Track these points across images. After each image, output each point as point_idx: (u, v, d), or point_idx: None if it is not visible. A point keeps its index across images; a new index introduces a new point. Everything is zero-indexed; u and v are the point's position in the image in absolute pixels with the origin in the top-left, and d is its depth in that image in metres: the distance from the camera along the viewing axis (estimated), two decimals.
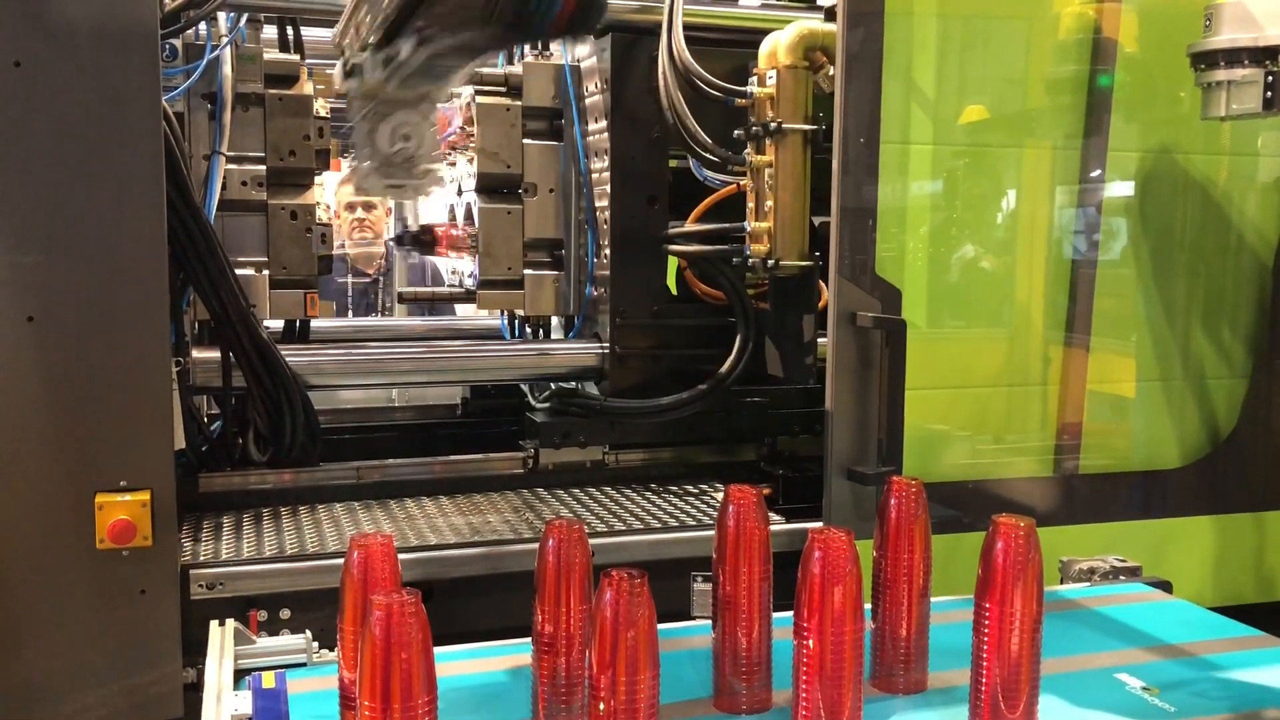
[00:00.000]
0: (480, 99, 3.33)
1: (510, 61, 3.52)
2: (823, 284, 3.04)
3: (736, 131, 3.01)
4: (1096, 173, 3.13)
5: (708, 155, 3.09)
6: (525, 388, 3.62)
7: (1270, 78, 2.35)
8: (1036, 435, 3.15)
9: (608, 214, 3.30)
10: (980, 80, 3.06)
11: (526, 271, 3.43)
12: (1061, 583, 2.38)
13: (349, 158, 7.16)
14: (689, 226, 3.26)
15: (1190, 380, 3.27)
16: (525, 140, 3.41)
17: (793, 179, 2.94)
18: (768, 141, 2.93)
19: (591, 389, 3.43)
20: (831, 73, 2.87)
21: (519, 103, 3.38)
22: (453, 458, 3.47)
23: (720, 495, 3.17)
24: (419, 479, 3.38)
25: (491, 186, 3.40)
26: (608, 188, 3.29)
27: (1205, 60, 2.46)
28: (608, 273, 3.32)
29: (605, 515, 3.14)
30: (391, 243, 6.40)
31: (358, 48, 2.57)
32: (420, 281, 6.27)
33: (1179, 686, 1.80)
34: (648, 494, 3.38)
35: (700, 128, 3.05)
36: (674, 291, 3.47)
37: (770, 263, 2.94)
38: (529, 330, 3.69)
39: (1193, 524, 3.23)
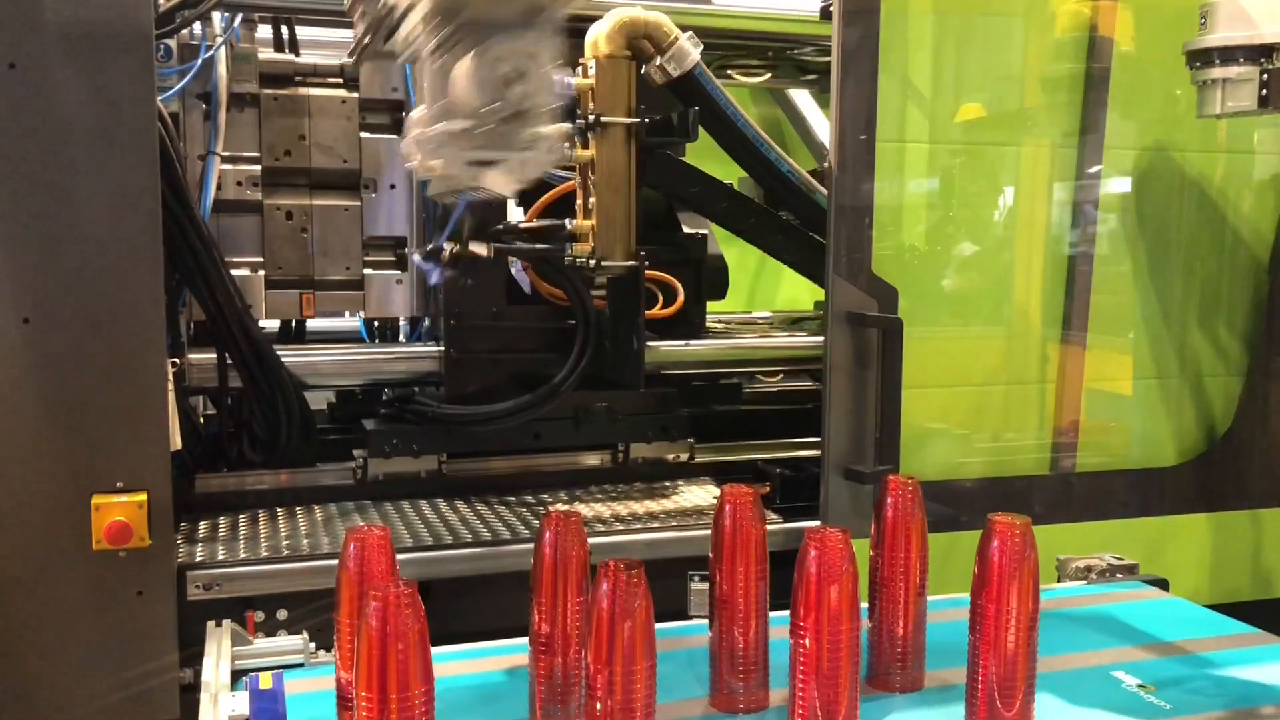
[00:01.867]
0: (313, 91, 3.21)
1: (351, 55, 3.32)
2: (653, 287, 2.95)
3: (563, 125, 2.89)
4: (1093, 170, 3.13)
5: None
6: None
7: (1265, 75, 2.35)
8: (1033, 433, 3.15)
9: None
10: (976, 78, 3.07)
11: (366, 271, 3.30)
12: (1059, 581, 2.38)
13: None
14: (523, 223, 3.09)
15: (1187, 378, 3.27)
16: (363, 134, 3.28)
17: (615, 175, 2.77)
18: (589, 135, 2.78)
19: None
20: (661, 62, 2.76)
21: (356, 95, 3.27)
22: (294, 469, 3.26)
23: (559, 506, 3.13)
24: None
25: (329, 183, 3.25)
26: None
27: (1200, 58, 2.45)
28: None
29: (419, 530, 2.95)
30: None
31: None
32: None
33: (1175, 684, 1.81)
34: (480, 505, 3.20)
35: None
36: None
37: (593, 262, 2.80)
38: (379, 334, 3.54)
39: (1189, 522, 3.24)
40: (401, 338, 3.57)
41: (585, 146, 2.79)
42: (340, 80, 3.30)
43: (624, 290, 3.03)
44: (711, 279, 3.57)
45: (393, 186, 3.31)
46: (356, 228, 3.27)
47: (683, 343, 3.47)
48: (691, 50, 2.93)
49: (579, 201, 2.87)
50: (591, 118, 2.74)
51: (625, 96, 2.78)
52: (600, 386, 3.28)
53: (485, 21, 1.81)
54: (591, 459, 3.43)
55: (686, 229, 3.56)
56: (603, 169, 2.77)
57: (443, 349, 3.22)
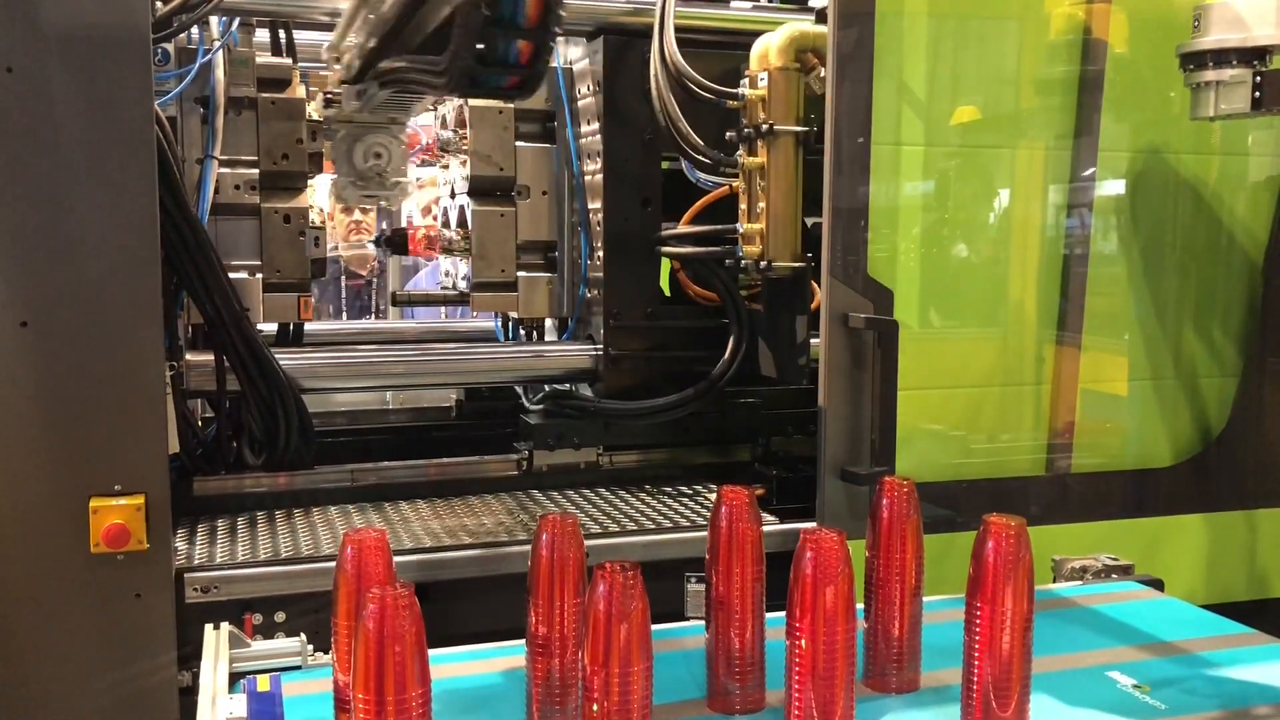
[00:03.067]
0: (473, 101, 3.33)
1: None
2: (815, 285, 3.05)
3: (728, 133, 3.02)
4: (1087, 173, 3.14)
5: (700, 157, 3.09)
6: (520, 390, 3.62)
7: (1258, 78, 2.36)
8: (1029, 434, 3.16)
9: (600, 216, 3.31)
10: (971, 81, 3.07)
11: (520, 274, 3.43)
12: (1054, 581, 2.39)
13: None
14: (682, 228, 3.26)
15: (1182, 379, 3.28)
16: (518, 143, 3.42)
17: (784, 180, 2.95)
18: (759, 143, 2.94)
19: (586, 391, 3.44)
20: (823, 74, 2.88)
21: (511, 105, 3.38)
22: (446, 460, 3.47)
23: (713, 496, 3.20)
24: (413, 481, 3.38)
25: (484, 189, 3.41)
26: (601, 190, 3.30)
27: (1194, 61, 2.47)
28: (601, 275, 3.33)
29: (599, 516, 3.14)
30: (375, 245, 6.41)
31: (337, 81, 2.89)
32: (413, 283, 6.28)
33: (1170, 684, 1.81)
34: (642, 495, 3.38)
35: (693, 130, 3.06)
36: (667, 293, 3.47)
37: (763, 264, 2.95)
38: (523, 333, 3.69)
39: (1184, 522, 3.24)
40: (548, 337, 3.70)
41: (753, 154, 2.96)
42: None
43: (786, 289, 3.10)
44: None
45: (544, 193, 3.46)
46: (511, 232, 3.42)
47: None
48: None
49: (744, 206, 3.02)
50: (764, 126, 2.91)
51: (795, 106, 2.95)
52: (745, 383, 3.39)
53: (366, 125, 3.40)
54: (743, 453, 3.57)
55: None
56: (772, 175, 2.93)
57: (599, 348, 3.35)
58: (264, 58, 3.24)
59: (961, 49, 3.05)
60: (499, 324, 3.86)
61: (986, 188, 3.14)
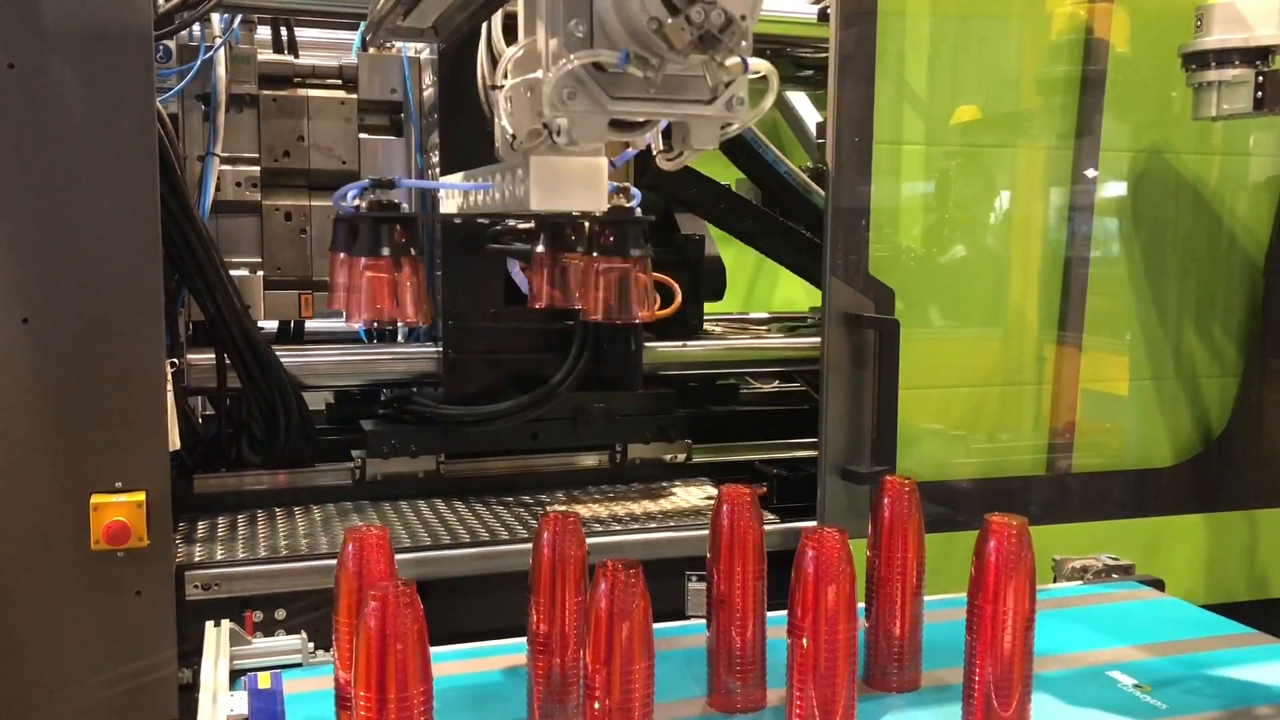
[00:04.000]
0: (313, 93, 3.21)
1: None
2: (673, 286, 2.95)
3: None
4: (1089, 173, 3.14)
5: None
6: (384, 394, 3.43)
7: (1260, 78, 2.36)
8: (1030, 434, 3.16)
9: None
10: (973, 81, 3.07)
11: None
12: (1055, 581, 2.39)
13: None
14: (515, 225, 3.07)
15: (1182, 379, 3.28)
16: (362, 135, 3.30)
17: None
18: None
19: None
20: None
21: (354, 97, 3.28)
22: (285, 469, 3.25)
23: (560, 506, 3.15)
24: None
25: (328, 184, 3.24)
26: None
27: (1196, 61, 2.47)
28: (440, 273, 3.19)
29: (418, 530, 2.96)
30: None
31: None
32: None
33: (1171, 684, 1.81)
34: (479, 506, 3.20)
35: None
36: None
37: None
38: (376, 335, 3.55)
39: (1185, 522, 3.24)
40: (400, 338, 3.57)
41: None
42: (339, 81, 3.30)
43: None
44: (709, 280, 3.57)
45: None
46: None
47: (680, 343, 3.47)
48: None
49: None
50: None
51: None
52: (598, 387, 3.28)
53: None
54: (589, 459, 3.43)
55: (684, 230, 3.56)
56: None
57: (441, 349, 3.21)
58: (265, 55, 3.24)
59: (963, 48, 3.05)
60: (361, 326, 3.57)
61: (988, 187, 3.13)
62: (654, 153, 1.52)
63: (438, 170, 3.16)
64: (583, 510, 3.16)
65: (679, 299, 3.44)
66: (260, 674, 1.84)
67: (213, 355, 3.01)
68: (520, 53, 1.48)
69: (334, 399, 3.57)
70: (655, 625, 1.45)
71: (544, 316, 3.27)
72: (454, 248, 3.17)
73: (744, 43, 1.27)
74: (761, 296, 5.37)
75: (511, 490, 3.32)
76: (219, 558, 2.72)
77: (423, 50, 3.30)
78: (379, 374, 3.30)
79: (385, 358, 3.31)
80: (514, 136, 1.55)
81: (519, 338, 3.27)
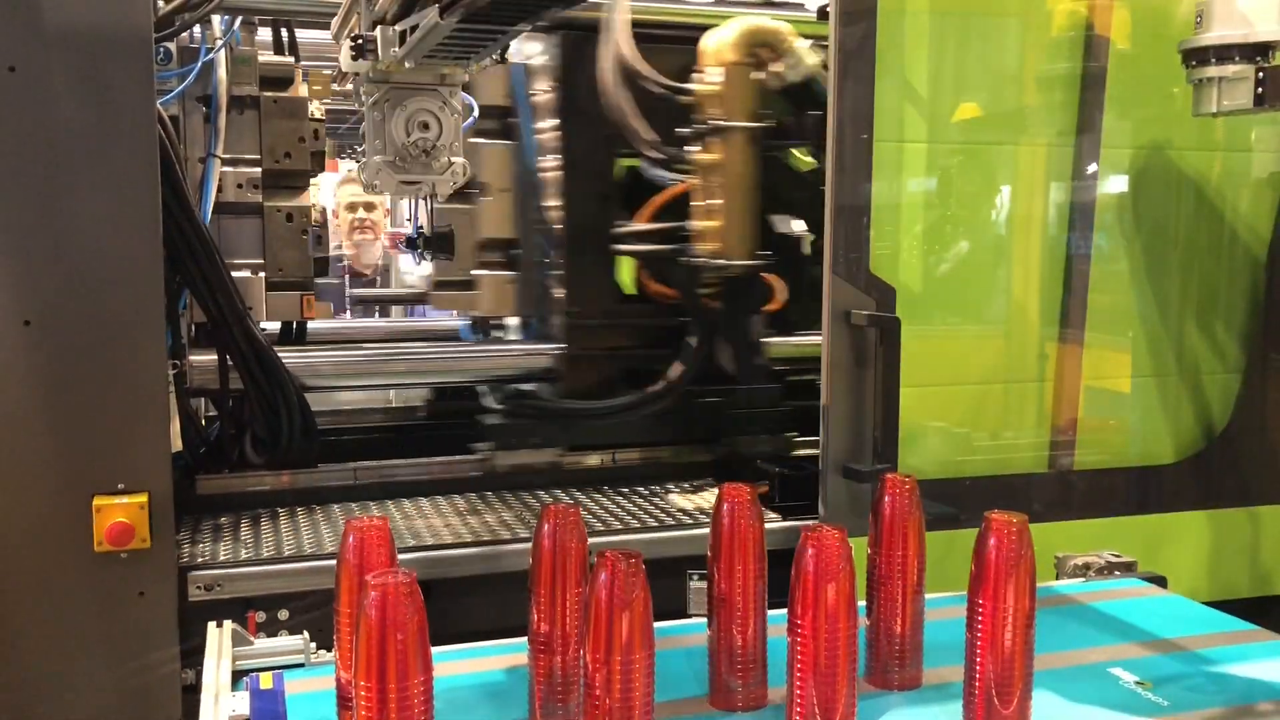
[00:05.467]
0: None
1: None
2: (775, 283, 3.00)
3: (679, 130, 2.94)
4: (1090, 169, 3.14)
5: (653, 153, 3.03)
6: (486, 390, 3.53)
7: (1261, 74, 2.36)
8: (1031, 431, 3.15)
9: (560, 213, 3.25)
10: (974, 78, 3.07)
11: (480, 272, 3.38)
12: (1057, 578, 2.38)
13: (347, 158, 7.16)
14: (637, 225, 3.19)
15: (1185, 376, 3.28)
16: (477, 139, 3.35)
17: (738, 177, 2.87)
18: (712, 139, 2.85)
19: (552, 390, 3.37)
20: (778, 68, 2.83)
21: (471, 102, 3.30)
22: (403, 461, 3.37)
23: (671, 496, 3.19)
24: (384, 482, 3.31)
25: None
26: (560, 187, 3.24)
27: (1196, 57, 2.46)
28: (561, 272, 3.26)
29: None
30: (400, 244, 6.42)
31: (370, 22, 2.32)
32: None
33: (1173, 681, 1.81)
34: (602, 495, 3.32)
35: (652, 126, 2.98)
36: (634, 291, 3.41)
37: (717, 262, 2.88)
38: (486, 332, 3.63)
39: (1187, 519, 3.24)
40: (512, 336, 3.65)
41: (706, 150, 2.88)
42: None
43: (741, 287, 3.06)
44: (813, 277, 3.61)
45: (504, 190, 3.39)
46: (471, 230, 3.36)
47: (785, 339, 3.51)
48: (809, 57, 2.97)
49: (698, 203, 2.94)
50: (716, 122, 2.84)
51: (747, 102, 2.87)
52: (704, 381, 3.34)
53: (408, 85, 2.48)
54: (704, 454, 3.50)
55: (780, 230, 3.58)
56: (725, 172, 2.87)
57: (559, 347, 3.29)
58: (266, 56, 3.24)
59: (964, 46, 3.05)
60: (464, 323, 3.78)
61: (989, 185, 3.13)
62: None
63: (549, 174, 3.25)
64: (681, 501, 3.24)
65: (781, 295, 3.45)
66: (262, 674, 1.85)
67: (214, 356, 3.01)
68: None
69: (433, 395, 3.70)
70: (656, 624, 1.45)
71: (659, 313, 3.37)
72: (573, 248, 3.26)
73: (444, 156, 2.57)
74: None
75: (626, 481, 3.42)
76: (221, 558, 2.72)
77: (532, 56, 3.37)
78: (498, 370, 3.39)
79: (506, 354, 3.41)
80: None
81: (635, 334, 3.36)
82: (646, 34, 3.05)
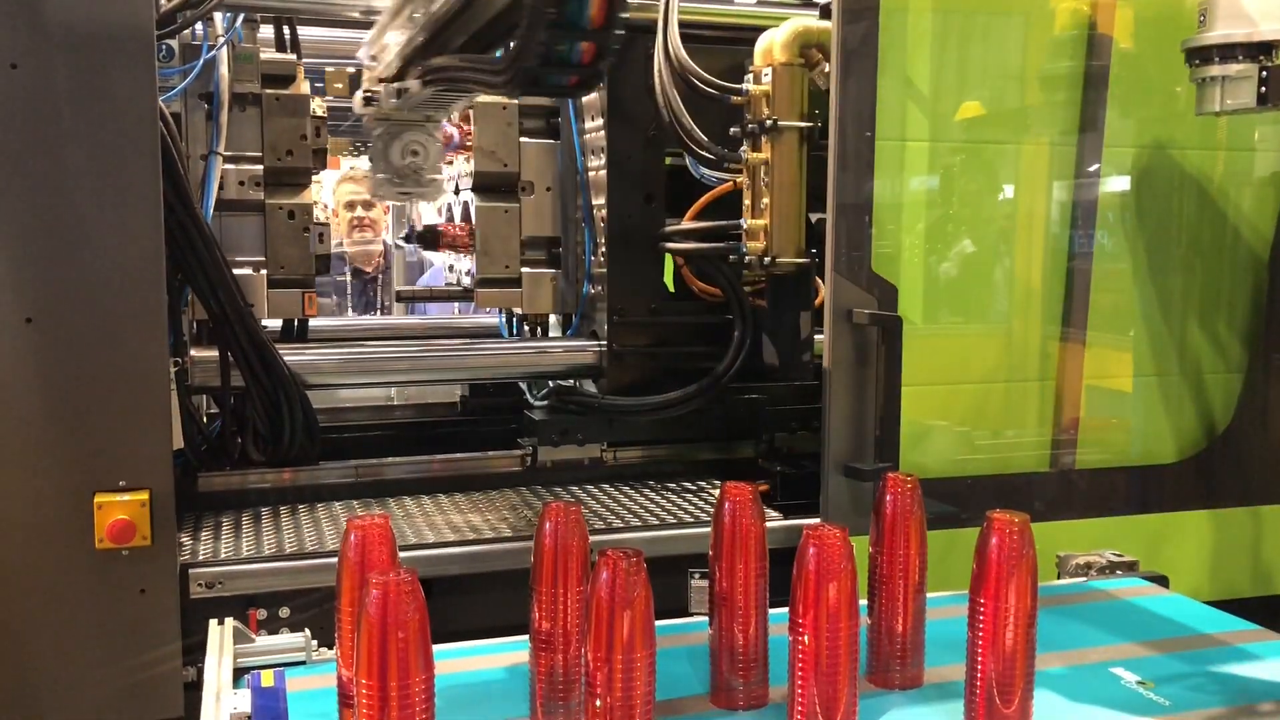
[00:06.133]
0: (477, 98, 3.33)
1: None
2: (819, 281, 3.05)
3: (733, 129, 3.01)
4: (1092, 168, 3.13)
5: (704, 153, 3.09)
6: (524, 386, 3.62)
7: (1264, 73, 2.35)
8: (1033, 431, 3.15)
9: (604, 212, 3.30)
10: (976, 76, 3.07)
11: (524, 270, 3.44)
12: (1059, 577, 2.38)
13: (348, 155, 7.19)
14: (685, 224, 3.26)
15: (1187, 375, 3.27)
16: (522, 139, 3.42)
17: (789, 176, 2.93)
18: (764, 139, 2.93)
19: (590, 387, 3.44)
20: (827, 69, 2.87)
21: (516, 101, 3.38)
22: (451, 456, 3.47)
23: (717, 492, 3.21)
24: (418, 477, 3.38)
25: (489, 185, 3.41)
26: (604, 186, 3.29)
27: (1199, 55, 2.45)
28: (605, 270, 3.32)
29: (603, 511, 3.15)
30: (394, 241, 6.44)
31: (375, 80, 2.92)
32: (414, 280, 6.29)
33: (1175, 680, 1.81)
34: (646, 491, 3.38)
35: (696, 125, 3.06)
36: (672, 289, 3.47)
37: (767, 260, 2.95)
38: (526, 328, 3.70)
39: (1189, 519, 3.24)
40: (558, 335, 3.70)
41: (757, 149, 2.94)
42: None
43: (790, 285, 3.08)
44: None
45: (548, 189, 3.47)
46: (515, 228, 3.43)
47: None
48: None
49: (747, 202, 3.00)
50: (769, 122, 2.89)
51: (800, 101, 2.93)
52: (747, 379, 3.38)
53: (403, 122, 3.28)
54: (747, 449, 3.54)
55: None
56: (776, 171, 2.92)
57: (603, 344, 3.34)
58: (268, 54, 3.24)
59: (966, 44, 3.04)
60: (503, 320, 3.86)
61: (991, 183, 3.13)
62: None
63: (603, 173, 3.30)
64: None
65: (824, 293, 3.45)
66: (264, 672, 1.85)
67: (216, 354, 3.01)
68: None
69: (467, 392, 3.84)
70: (657, 622, 1.45)
71: (703, 310, 3.41)
72: (617, 245, 3.30)
73: (428, 175, 3.37)
74: None
75: (672, 477, 3.50)
76: (223, 556, 2.72)
77: None
78: (543, 367, 3.44)
79: (551, 352, 3.44)
80: None
81: (679, 331, 3.40)
82: (689, 34, 3.09)
